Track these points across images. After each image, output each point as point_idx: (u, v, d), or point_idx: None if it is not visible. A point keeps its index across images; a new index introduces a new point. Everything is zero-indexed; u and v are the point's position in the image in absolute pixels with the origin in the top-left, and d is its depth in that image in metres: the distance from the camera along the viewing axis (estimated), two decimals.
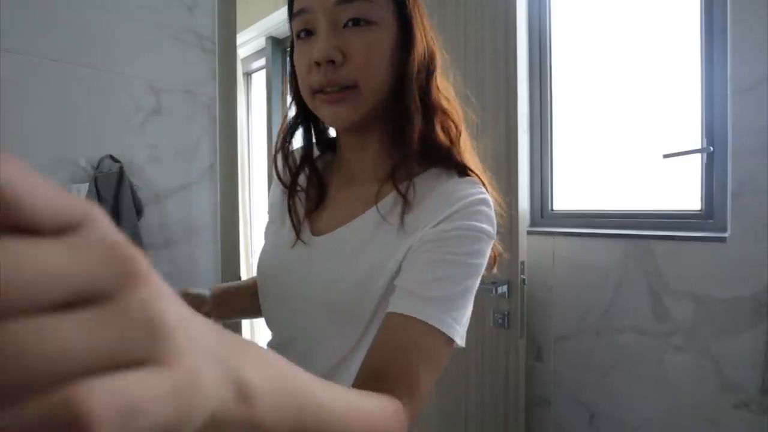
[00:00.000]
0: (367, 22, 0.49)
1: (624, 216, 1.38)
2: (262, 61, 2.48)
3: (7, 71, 0.98)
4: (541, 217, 1.55)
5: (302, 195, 0.60)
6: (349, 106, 0.50)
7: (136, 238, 1.12)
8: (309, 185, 0.61)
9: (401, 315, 0.45)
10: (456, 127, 0.56)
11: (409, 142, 0.52)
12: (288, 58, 0.58)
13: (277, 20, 2.19)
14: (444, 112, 0.56)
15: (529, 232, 1.44)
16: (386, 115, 0.55)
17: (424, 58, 0.54)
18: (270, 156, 2.00)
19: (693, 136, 1.25)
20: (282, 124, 0.62)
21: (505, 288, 1.29)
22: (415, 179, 0.53)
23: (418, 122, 0.52)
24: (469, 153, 0.58)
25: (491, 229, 0.51)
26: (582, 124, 1.50)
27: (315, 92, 0.51)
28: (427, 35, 0.56)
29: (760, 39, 1.07)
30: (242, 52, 2.51)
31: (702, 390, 1.18)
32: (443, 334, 0.45)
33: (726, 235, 1.14)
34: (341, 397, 0.32)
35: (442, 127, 0.55)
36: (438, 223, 0.49)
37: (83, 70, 1.09)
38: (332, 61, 0.49)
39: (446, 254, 0.48)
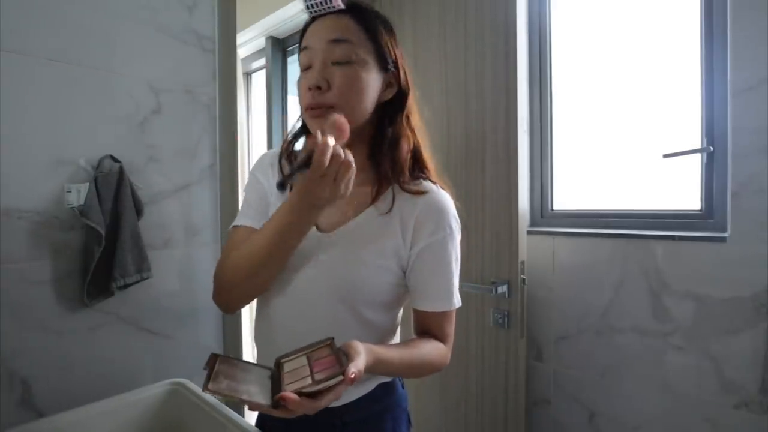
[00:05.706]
0: (348, 62, 0.65)
1: (624, 216, 1.38)
2: (262, 61, 2.48)
3: (7, 71, 0.98)
4: (541, 217, 1.55)
5: None
6: None
7: (136, 238, 1.12)
8: None
9: (429, 312, 0.72)
10: (420, 149, 0.75)
11: (387, 160, 0.70)
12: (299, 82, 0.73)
13: (277, 20, 2.19)
14: (413, 136, 0.73)
15: (529, 232, 1.44)
16: (368, 138, 0.72)
17: (399, 97, 0.72)
18: None
19: (693, 136, 1.25)
20: (287, 133, 0.78)
21: (505, 288, 1.29)
22: (396, 186, 0.70)
23: (392, 144, 0.70)
24: (432, 165, 0.75)
25: (457, 220, 0.73)
26: (582, 124, 1.50)
27: (307, 109, 0.68)
28: (401, 77, 0.72)
29: (760, 39, 1.08)
30: (242, 52, 2.51)
31: (702, 390, 1.19)
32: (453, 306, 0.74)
33: (726, 235, 1.14)
34: (409, 351, 0.67)
35: (411, 149, 0.73)
36: (432, 233, 0.69)
37: (83, 70, 1.09)
38: (319, 88, 0.65)
39: (444, 259, 0.71)
